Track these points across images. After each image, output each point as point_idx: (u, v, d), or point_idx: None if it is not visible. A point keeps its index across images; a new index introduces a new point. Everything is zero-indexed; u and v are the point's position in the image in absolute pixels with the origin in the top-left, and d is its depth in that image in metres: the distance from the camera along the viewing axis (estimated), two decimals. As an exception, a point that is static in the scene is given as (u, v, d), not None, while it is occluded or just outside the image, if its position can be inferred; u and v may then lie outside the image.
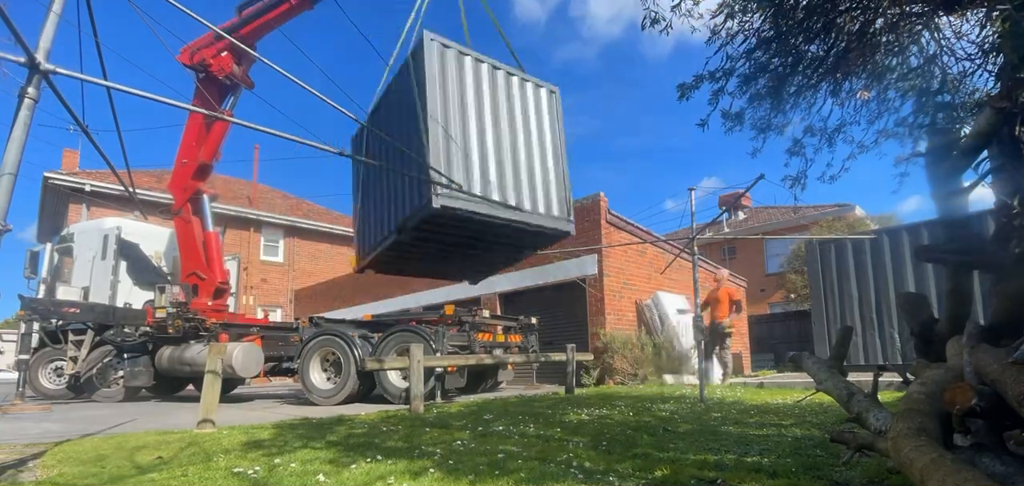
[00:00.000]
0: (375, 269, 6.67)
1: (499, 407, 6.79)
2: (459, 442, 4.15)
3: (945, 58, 3.90)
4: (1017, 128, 2.19)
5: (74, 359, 10.43)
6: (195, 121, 10.74)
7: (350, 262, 7.32)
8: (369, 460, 3.49)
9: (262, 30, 9.40)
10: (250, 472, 3.20)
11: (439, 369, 8.37)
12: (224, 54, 9.86)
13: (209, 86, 10.02)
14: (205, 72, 10.02)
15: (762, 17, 3.98)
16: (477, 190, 5.04)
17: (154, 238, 12.80)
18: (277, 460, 3.57)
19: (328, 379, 9.15)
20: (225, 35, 6.83)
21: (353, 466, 3.31)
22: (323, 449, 3.98)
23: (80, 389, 10.67)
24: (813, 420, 4.89)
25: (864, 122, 4.47)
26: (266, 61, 6.66)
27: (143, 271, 12.18)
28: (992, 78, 3.42)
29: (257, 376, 10.68)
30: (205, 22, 6.88)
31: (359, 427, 5.26)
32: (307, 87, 4.02)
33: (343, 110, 4.40)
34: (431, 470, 3.14)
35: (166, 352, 10.40)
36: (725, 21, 4.14)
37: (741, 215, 30.83)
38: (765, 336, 19.23)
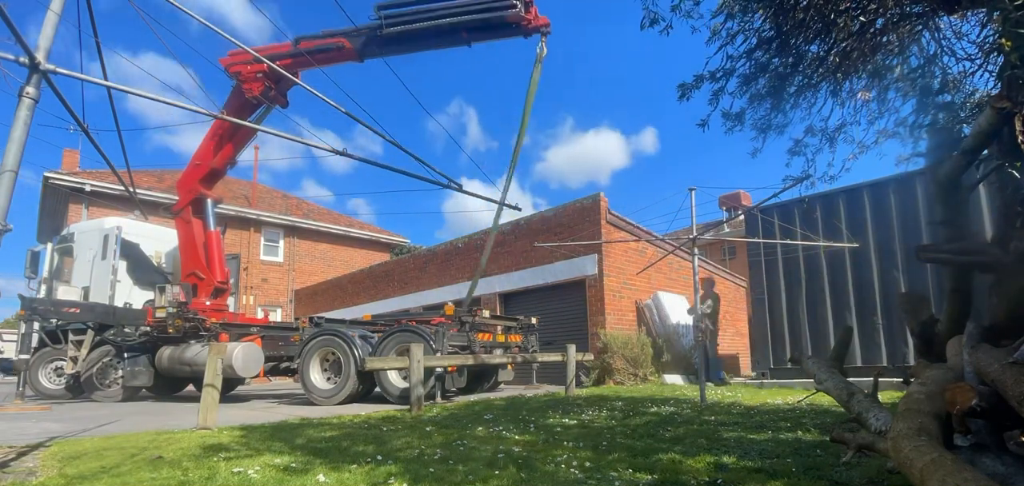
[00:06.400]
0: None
1: (499, 407, 6.80)
2: (459, 441, 4.15)
3: (945, 58, 3.90)
4: (1017, 128, 2.19)
5: (74, 359, 10.43)
6: (219, 124, 10.75)
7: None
8: (370, 460, 3.49)
9: (308, 65, 9.59)
10: (250, 472, 3.20)
11: (439, 369, 8.36)
12: (257, 79, 9.91)
13: (240, 95, 10.12)
14: (238, 83, 10.18)
15: (762, 17, 3.98)
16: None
17: (154, 238, 12.80)
18: (277, 460, 3.57)
19: (328, 379, 9.14)
20: (265, 60, 6.99)
21: (354, 466, 3.31)
22: (324, 449, 3.98)
23: (80, 389, 10.67)
24: (812, 421, 4.89)
25: (864, 122, 4.48)
26: (311, 90, 6.80)
27: (143, 271, 12.18)
28: (992, 78, 3.42)
29: (257, 376, 10.68)
30: (249, 48, 6.99)
31: (359, 427, 5.26)
32: (352, 116, 4.04)
33: (391, 138, 4.41)
34: (432, 468, 3.15)
35: (166, 352, 10.40)
36: (725, 21, 4.14)
37: (741, 215, 30.77)
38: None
